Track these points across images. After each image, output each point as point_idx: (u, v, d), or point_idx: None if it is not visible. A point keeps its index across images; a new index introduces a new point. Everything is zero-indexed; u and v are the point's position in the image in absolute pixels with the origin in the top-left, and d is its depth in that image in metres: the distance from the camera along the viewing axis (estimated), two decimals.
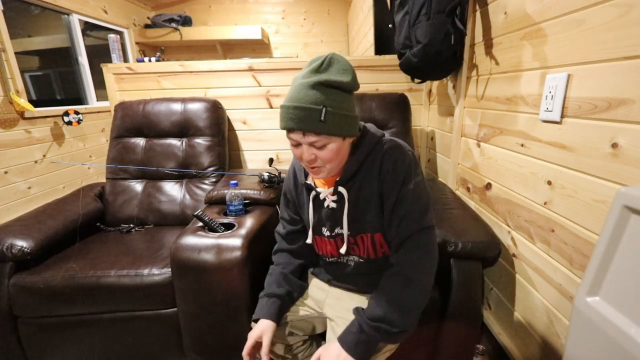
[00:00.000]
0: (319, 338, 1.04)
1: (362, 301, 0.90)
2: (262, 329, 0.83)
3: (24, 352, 1.21)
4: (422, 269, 0.78)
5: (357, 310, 0.79)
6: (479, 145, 1.31)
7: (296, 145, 0.76)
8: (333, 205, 0.86)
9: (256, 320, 0.86)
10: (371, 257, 0.89)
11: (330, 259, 0.96)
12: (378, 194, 0.82)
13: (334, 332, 0.87)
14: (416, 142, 1.93)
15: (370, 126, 0.86)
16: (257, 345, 0.83)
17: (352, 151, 0.82)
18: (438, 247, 0.81)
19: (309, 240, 0.95)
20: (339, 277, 0.96)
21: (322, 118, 0.70)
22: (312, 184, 0.88)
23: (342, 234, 0.88)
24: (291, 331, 0.94)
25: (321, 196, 0.88)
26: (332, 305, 0.93)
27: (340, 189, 0.84)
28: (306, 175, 0.91)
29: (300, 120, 0.70)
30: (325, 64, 0.73)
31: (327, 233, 0.91)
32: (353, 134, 0.78)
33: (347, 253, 0.90)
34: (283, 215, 1.02)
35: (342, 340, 0.76)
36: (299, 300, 0.96)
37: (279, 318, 0.87)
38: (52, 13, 2.92)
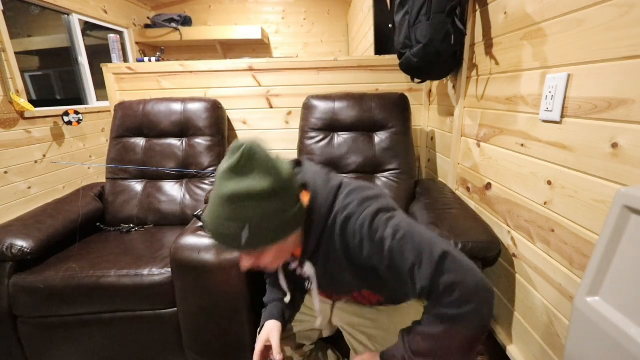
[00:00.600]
0: (323, 342, 1.04)
1: (373, 316, 0.89)
2: (268, 330, 0.83)
3: (24, 352, 1.21)
4: (461, 306, 0.60)
5: (403, 337, 0.69)
6: (479, 145, 1.31)
7: (234, 255, 0.72)
8: (306, 274, 0.79)
9: (262, 329, 0.86)
10: (366, 305, 0.88)
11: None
12: (348, 264, 0.73)
13: (355, 339, 0.87)
14: (416, 142, 1.93)
15: (319, 189, 0.71)
16: (267, 348, 0.82)
17: (305, 228, 0.71)
18: None
19: (287, 299, 0.88)
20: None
21: (244, 241, 0.60)
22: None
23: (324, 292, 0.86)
24: (300, 342, 0.93)
25: (291, 267, 0.83)
26: (339, 314, 0.93)
27: (307, 265, 0.77)
28: None
29: (224, 242, 0.63)
30: (243, 162, 0.60)
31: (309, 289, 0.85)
32: (292, 231, 0.66)
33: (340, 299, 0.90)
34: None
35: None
36: (304, 312, 0.94)
37: (283, 318, 0.87)
38: (52, 13, 2.92)
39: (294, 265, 0.82)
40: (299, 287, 0.91)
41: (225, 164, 0.61)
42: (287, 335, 0.89)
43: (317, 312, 0.85)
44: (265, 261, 0.68)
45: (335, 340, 1.03)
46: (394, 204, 0.71)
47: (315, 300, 0.83)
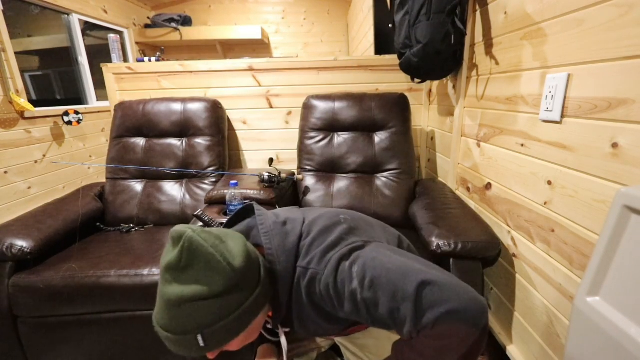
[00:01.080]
0: (323, 356, 1.03)
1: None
2: (263, 353, 0.82)
3: (24, 352, 1.21)
4: (456, 329, 0.54)
5: (397, 348, 0.66)
6: (479, 145, 1.31)
7: None
8: (285, 330, 0.76)
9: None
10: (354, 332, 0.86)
11: None
12: (328, 320, 0.69)
13: (349, 352, 0.86)
14: (416, 142, 1.93)
15: (280, 254, 0.66)
16: None
17: (272, 292, 0.66)
18: (437, 247, 0.78)
19: (283, 342, 0.82)
20: None
21: (202, 345, 0.55)
22: None
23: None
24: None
25: (268, 326, 0.79)
26: None
27: (280, 331, 0.74)
28: None
29: (180, 349, 0.56)
30: (185, 260, 0.54)
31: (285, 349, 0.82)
32: (256, 316, 0.62)
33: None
34: None
35: None
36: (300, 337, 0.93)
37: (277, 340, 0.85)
38: (52, 13, 2.92)
39: (269, 326, 0.78)
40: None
41: (165, 258, 0.56)
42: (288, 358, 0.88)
43: (284, 356, 0.79)
44: (234, 347, 0.62)
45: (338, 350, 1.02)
46: (356, 235, 0.66)
47: (284, 348, 0.77)
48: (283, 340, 0.74)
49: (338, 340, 0.91)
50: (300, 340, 0.92)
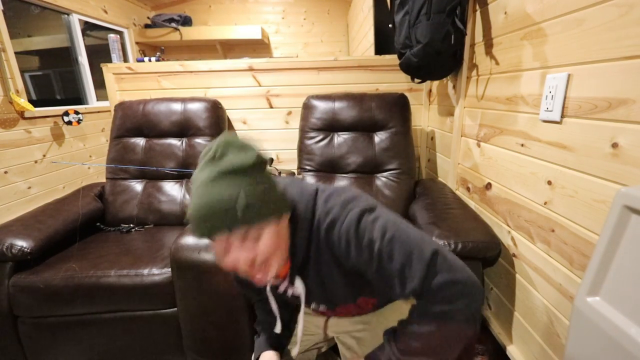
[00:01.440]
0: (323, 357, 1.03)
1: (365, 319, 0.87)
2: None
3: (24, 352, 1.21)
4: (453, 302, 0.60)
5: (388, 339, 0.69)
6: (479, 145, 1.31)
7: (222, 255, 0.61)
8: (297, 292, 0.75)
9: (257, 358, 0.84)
10: (361, 313, 0.85)
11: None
12: (340, 271, 0.70)
13: (345, 346, 0.86)
14: (416, 142, 1.93)
15: (297, 198, 0.69)
16: None
17: (290, 238, 0.68)
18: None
19: (277, 330, 0.83)
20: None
21: (241, 208, 0.56)
22: (266, 283, 0.76)
23: (319, 308, 0.82)
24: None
25: (279, 290, 0.78)
26: (334, 324, 0.91)
27: (297, 281, 0.73)
28: None
29: (217, 220, 0.56)
30: (220, 151, 0.59)
31: (305, 310, 0.82)
32: (285, 209, 0.64)
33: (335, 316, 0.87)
34: (246, 293, 0.93)
35: None
36: (302, 333, 0.88)
37: (279, 343, 0.84)
38: (52, 13, 2.92)
39: (283, 286, 0.77)
40: (291, 309, 0.88)
41: (201, 161, 0.62)
42: (287, 358, 0.87)
43: (298, 339, 0.80)
44: (264, 246, 0.60)
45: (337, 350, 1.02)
46: (375, 202, 0.68)
47: (299, 324, 0.77)
48: (299, 284, 0.73)
49: (337, 336, 0.90)
50: (311, 334, 0.92)
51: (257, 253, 0.60)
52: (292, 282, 0.74)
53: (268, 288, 0.78)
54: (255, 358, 0.85)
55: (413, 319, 0.66)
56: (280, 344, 0.87)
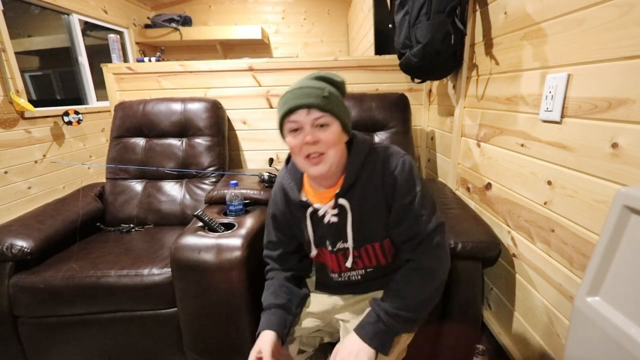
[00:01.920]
0: (325, 349, 1.02)
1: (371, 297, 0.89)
2: (260, 342, 0.81)
3: (24, 352, 1.21)
4: (440, 262, 0.80)
5: (374, 301, 0.80)
6: (479, 145, 1.31)
7: (296, 130, 0.75)
8: (334, 219, 0.83)
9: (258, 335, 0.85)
10: (381, 263, 0.88)
11: (332, 274, 0.93)
12: (383, 201, 0.80)
13: (347, 330, 0.85)
14: (416, 142, 1.93)
15: (358, 133, 0.85)
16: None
17: (347, 159, 0.82)
18: None
19: (313, 254, 0.90)
20: (345, 286, 0.93)
21: (326, 94, 0.72)
22: (308, 201, 0.85)
23: (345, 248, 0.86)
24: (301, 349, 0.91)
25: (320, 212, 0.84)
26: (341, 310, 0.92)
27: (342, 201, 0.81)
28: (299, 192, 0.87)
29: (305, 96, 0.72)
30: (316, 73, 0.78)
31: (330, 248, 0.87)
32: (349, 129, 0.80)
33: (353, 267, 0.88)
34: (271, 239, 0.96)
35: (359, 332, 0.75)
36: (305, 314, 0.92)
37: (281, 327, 0.84)
38: (52, 13, 2.92)
39: (323, 210, 0.83)
40: (321, 242, 0.89)
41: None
42: (290, 340, 0.88)
43: (350, 244, 0.84)
44: (328, 135, 0.74)
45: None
46: None
47: (348, 230, 0.83)
48: (344, 202, 0.81)
49: (343, 320, 0.90)
50: (304, 327, 0.92)
51: (322, 138, 0.74)
52: (335, 205, 0.82)
53: (308, 212, 0.85)
54: (257, 332, 0.85)
55: (403, 278, 0.80)
56: (282, 319, 0.86)
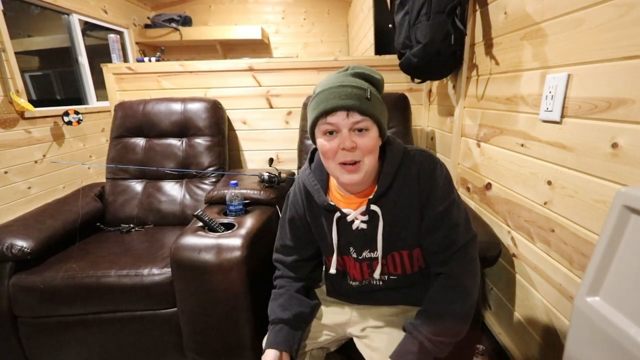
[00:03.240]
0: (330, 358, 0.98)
1: (390, 312, 0.86)
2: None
3: (24, 352, 1.21)
4: (475, 279, 0.75)
5: (414, 327, 0.73)
6: (479, 145, 1.31)
7: (332, 132, 0.69)
8: (363, 226, 0.78)
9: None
10: (407, 272, 0.83)
11: (354, 282, 0.87)
12: (418, 208, 0.76)
13: (368, 347, 0.81)
14: (416, 142, 1.93)
15: (391, 136, 0.80)
16: None
17: (380, 163, 0.77)
18: None
19: (332, 270, 0.85)
20: (366, 296, 0.88)
21: (369, 95, 0.67)
22: (336, 205, 0.79)
23: (372, 258, 0.81)
24: None
25: (349, 218, 0.78)
26: (357, 322, 0.87)
27: (374, 207, 0.76)
28: (326, 195, 0.82)
29: (346, 96, 0.66)
30: (351, 68, 0.72)
31: (354, 256, 0.83)
32: (385, 133, 0.74)
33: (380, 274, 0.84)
34: (285, 243, 0.91)
35: None
36: (318, 327, 0.88)
37: (288, 345, 0.80)
38: (52, 13, 2.92)
39: (353, 215, 0.78)
40: (345, 250, 0.84)
41: (334, 73, 0.74)
42: (301, 354, 0.84)
43: (380, 252, 0.80)
44: (367, 141, 0.69)
45: (345, 352, 0.96)
46: None
47: (379, 238, 0.79)
48: (376, 209, 0.78)
49: (359, 335, 0.85)
50: (314, 339, 0.88)
51: (360, 144, 0.69)
52: (366, 212, 0.77)
53: (336, 216, 0.80)
54: (264, 349, 0.82)
55: (440, 297, 0.75)
56: (289, 336, 0.82)
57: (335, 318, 0.88)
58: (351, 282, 0.88)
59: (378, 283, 0.85)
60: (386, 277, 0.85)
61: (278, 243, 0.93)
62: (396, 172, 0.75)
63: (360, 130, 0.69)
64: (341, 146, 0.69)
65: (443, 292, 0.74)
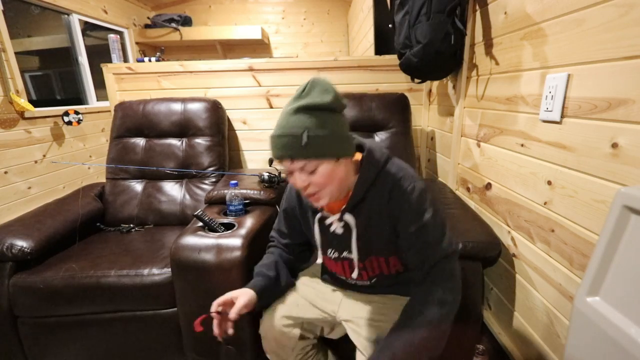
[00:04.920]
0: (324, 343, 1.02)
1: (380, 300, 0.91)
2: (240, 292, 0.83)
3: (24, 352, 1.21)
4: (454, 293, 0.76)
5: (387, 344, 0.74)
6: (479, 145, 1.31)
7: (289, 173, 0.75)
8: (339, 231, 0.85)
9: None
10: (384, 273, 0.89)
11: (341, 276, 0.96)
12: (388, 224, 0.80)
13: (357, 334, 0.85)
14: (416, 142, 1.93)
15: (375, 148, 0.81)
16: (229, 303, 0.82)
17: (358, 176, 0.80)
18: None
19: (319, 260, 0.94)
20: (351, 287, 0.96)
21: (304, 142, 0.68)
22: (317, 208, 0.86)
23: (350, 259, 0.87)
24: (303, 334, 0.92)
25: (327, 222, 0.86)
26: (348, 307, 0.93)
27: (347, 216, 0.82)
28: None
29: (285, 147, 0.70)
30: (307, 89, 0.71)
31: (335, 255, 0.90)
32: (345, 154, 0.75)
33: (358, 278, 0.91)
34: (281, 228, 1.00)
35: None
36: (308, 304, 0.94)
37: (262, 293, 0.87)
38: (52, 13, 2.92)
39: (331, 219, 0.84)
40: (326, 248, 0.91)
41: (292, 97, 0.73)
42: (294, 322, 0.90)
43: (355, 256, 0.85)
44: (318, 177, 0.72)
45: (336, 345, 1.01)
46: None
47: (353, 245, 0.84)
48: (350, 219, 0.82)
49: (350, 322, 0.89)
50: (307, 311, 0.93)
51: (311, 183, 0.73)
52: (341, 219, 0.83)
53: (317, 217, 0.87)
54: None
55: (413, 314, 0.75)
56: (265, 287, 0.89)
57: (324, 302, 0.95)
58: (339, 276, 0.95)
59: (365, 283, 0.92)
60: (369, 281, 0.91)
61: (276, 226, 1.03)
62: (370, 187, 0.79)
63: (309, 170, 0.72)
64: (295, 186, 0.75)
65: (418, 308, 0.76)
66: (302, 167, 0.72)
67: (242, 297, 0.82)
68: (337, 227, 0.85)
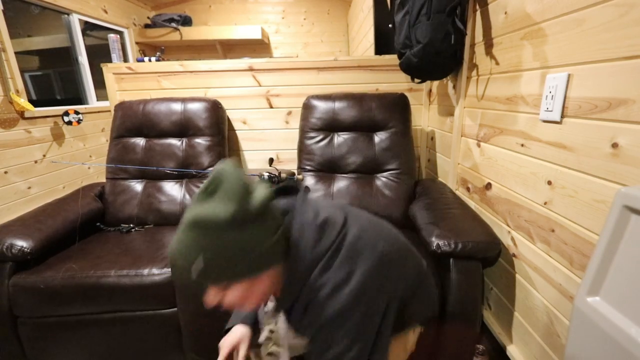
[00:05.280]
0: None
1: None
2: (239, 336, 0.79)
3: (24, 352, 1.21)
4: None
5: None
6: (479, 145, 1.31)
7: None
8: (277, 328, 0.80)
9: (229, 330, 0.82)
10: None
11: None
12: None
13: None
14: (416, 142, 1.93)
15: (306, 247, 0.63)
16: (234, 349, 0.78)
17: (284, 279, 0.65)
18: (437, 247, 0.77)
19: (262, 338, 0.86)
20: None
21: (194, 277, 0.55)
22: None
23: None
24: (270, 351, 0.87)
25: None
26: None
27: (280, 317, 0.76)
28: None
29: (179, 278, 0.64)
30: (211, 188, 0.56)
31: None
32: (262, 270, 0.59)
33: None
34: None
35: None
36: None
37: (255, 325, 0.83)
38: (52, 13, 2.92)
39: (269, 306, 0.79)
40: None
41: (198, 193, 0.59)
42: (260, 342, 0.85)
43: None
44: (230, 301, 0.60)
45: None
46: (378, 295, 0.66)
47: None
48: (281, 324, 0.75)
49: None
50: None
51: (226, 302, 0.60)
52: (276, 313, 0.75)
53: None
54: (228, 326, 0.83)
55: None
56: (257, 317, 0.85)
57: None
58: None
59: None
60: None
61: None
62: (298, 293, 0.65)
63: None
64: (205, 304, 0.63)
65: None
66: (204, 290, 0.60)
67: (243, 342, 0.78)
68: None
